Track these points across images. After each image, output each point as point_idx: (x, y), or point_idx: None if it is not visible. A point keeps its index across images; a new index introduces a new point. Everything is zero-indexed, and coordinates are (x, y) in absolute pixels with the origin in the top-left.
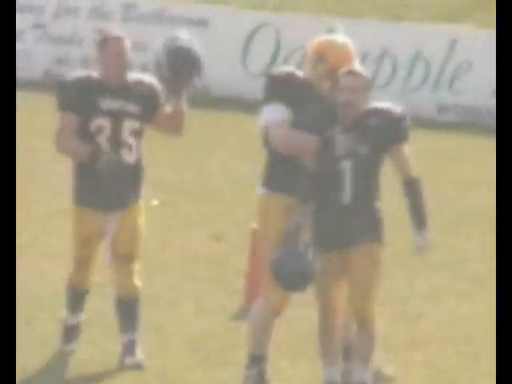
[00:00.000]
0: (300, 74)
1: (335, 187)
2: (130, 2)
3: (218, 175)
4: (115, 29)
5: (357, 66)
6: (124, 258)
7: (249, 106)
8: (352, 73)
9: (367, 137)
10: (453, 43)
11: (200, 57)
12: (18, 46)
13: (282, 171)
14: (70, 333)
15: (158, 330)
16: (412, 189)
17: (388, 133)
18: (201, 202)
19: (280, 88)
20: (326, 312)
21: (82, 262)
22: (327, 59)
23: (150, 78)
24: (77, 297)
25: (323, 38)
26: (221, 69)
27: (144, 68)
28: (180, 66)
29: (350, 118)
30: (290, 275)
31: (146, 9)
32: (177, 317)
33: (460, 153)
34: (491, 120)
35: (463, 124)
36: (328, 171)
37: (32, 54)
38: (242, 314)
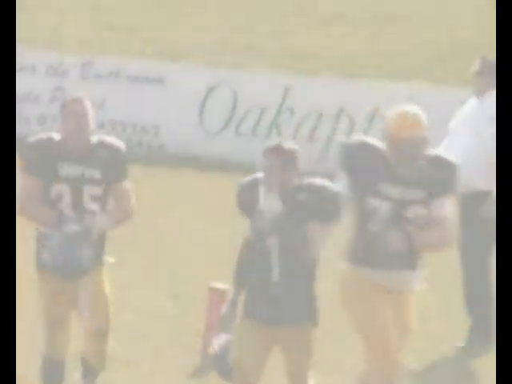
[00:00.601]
0: (376, 143)
1: (264, 263)
2: (86, 60)
3: (174, 233)
4: (75, 91)
5: (420, 135)
6: (99, 332)
7: (205, 165)
8: (274, 149)
9: (295, 213)
10: (409, 100)
11: None
12: None
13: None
14: None
15: None
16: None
17: (317, 210)
18: (157, 259)
19: (350, 159)
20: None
21: (54, 327)
22: (389, 128)
23: (113, 140)
24: (53, 369)
25: (397, 107)
26: (177, 127)
27: (101, 126)
28: None
29: (276, 193)
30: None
31: (103, 67)
32: (132, 375)
33: None
34: None
35: None
36: (257, 246)
37: None
38: (197, 373)
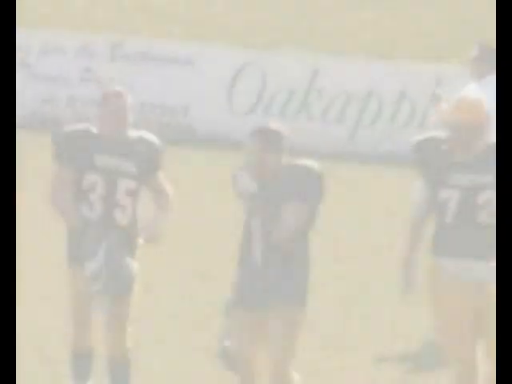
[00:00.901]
0: (440, 135)
1: (248, 246)
2: (116, 41)
3: (203, 214)
4: (104, 72)
5: (477, 121)
6: (118, 322)
7: (234, 146)
8: (258, 130)
9: (275, 194)
10: (438, 82)
11: None
12: None
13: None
14: None
15: (142, 369)
16: None
17: (299, 191)
18: (185, 240)
19: (420, 156)
20: (245, 373)
21: (83, 322)
22: (448, 113)
23: (150, 136)
24: (82, 360)
25: (459, 94)
26: (206, 108)
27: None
28: None
29: (262, 176)
30: None
31: (133, 48)
32: (161, 356)
33: None
34: None
35: None
36: (244, 229)
37: (17, 94)
38: (224, 354)
